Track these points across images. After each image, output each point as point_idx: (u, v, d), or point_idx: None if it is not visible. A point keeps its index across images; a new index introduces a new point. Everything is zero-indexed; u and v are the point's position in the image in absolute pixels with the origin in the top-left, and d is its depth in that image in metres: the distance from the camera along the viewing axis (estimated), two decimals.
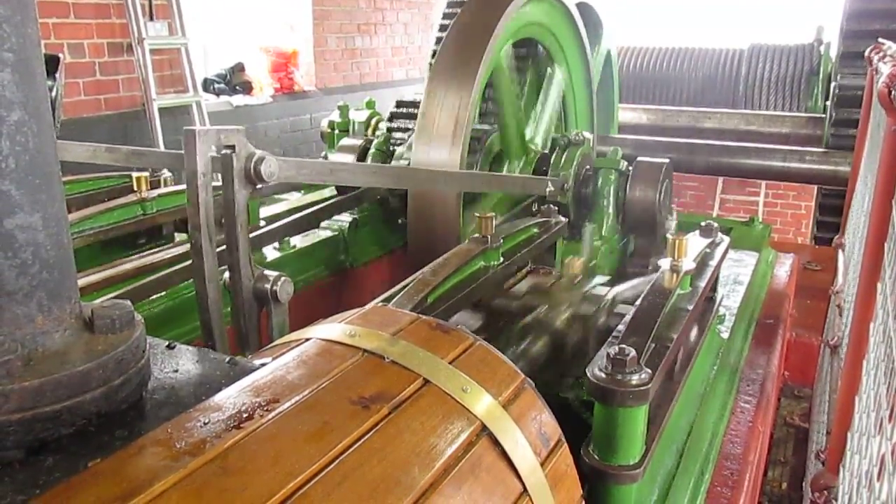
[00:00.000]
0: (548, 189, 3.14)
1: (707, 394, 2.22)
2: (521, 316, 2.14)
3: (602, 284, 2.39)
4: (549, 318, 2.08)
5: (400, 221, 3.51)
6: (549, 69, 3.87)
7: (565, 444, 1.26)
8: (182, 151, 1.79)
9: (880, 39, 4.07)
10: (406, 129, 3.82)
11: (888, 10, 5.35)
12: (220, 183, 1.83)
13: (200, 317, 1.86)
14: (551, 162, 3.41)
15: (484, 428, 1.11)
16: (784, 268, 3.67)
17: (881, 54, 3.38)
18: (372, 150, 3.76)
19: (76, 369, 0.91)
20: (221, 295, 1.88)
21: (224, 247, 1.87)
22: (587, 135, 3.48)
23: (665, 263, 2.07)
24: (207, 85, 8.76)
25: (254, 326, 1.93)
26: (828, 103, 5.95)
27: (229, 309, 1.94)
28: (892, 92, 2.07)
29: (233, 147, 1.78)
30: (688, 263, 2.07)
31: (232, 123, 7.24)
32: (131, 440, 0.91)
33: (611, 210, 3.36)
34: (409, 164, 3.25)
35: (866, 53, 4.04)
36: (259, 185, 1.84)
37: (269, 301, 1.91)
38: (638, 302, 1.89)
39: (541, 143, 3.71)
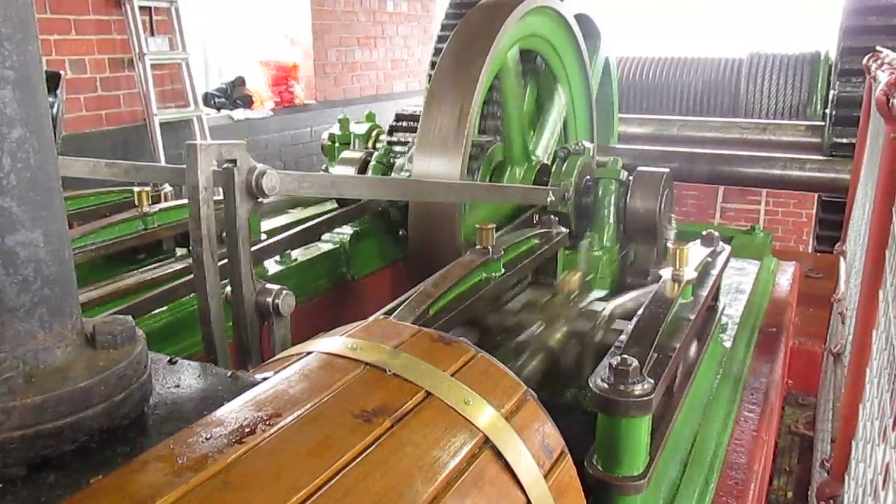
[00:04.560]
0: (549, 199, 3.14)
1: (710, 403, 2.22)
2: (516, 333, 2.15)
3: (600, 299, 2.38)
4: (545, 335, 2.09)
5: (401, 233, 3.51)
6: (552, 88, 3.89)
7: (568, 456, 1.26)
8: (183, 166, 1.79)
9: (878, 47, 4.08)
10: (406, 143, 3.83)
11: (887, 8, 5.36)
12: (221, 197, 1.83)
13: (202, 331, 1.86)
14: (552, 172, 3.41)
15: (486, 440, 1.11)
16: (786, 276, 3.67)
17: (879, 62, 3.39)
18: (372, 163, 3.77)
19: (78, 385, 0.91)
20: (223, 309, 1.88)
21: (226, 260, 1.87)
22: (587, 144, 3.48)
23: (666, 273, 2.07)
24: (208, 99, 8.80)
25: (256, 340, 1.92)
26: (827, 111, 5.96)
27: (231, 323, 1.94)
28: (891, 100, 2.07)
29: (234, 161, 1.79)
30: (689, 273, 2.07)
31: (233, 137, 7.28)
32: (133, 456, 0.91)
33: (611, 220, 3.36)
34: (409, 176, 3.25)
35: (864, 62, 4.05)
36: (260, 200, 1.85)
37: (271, 315, 1.91)
38: (640, 312, 1.89)
39: (542, 156, 3.71)
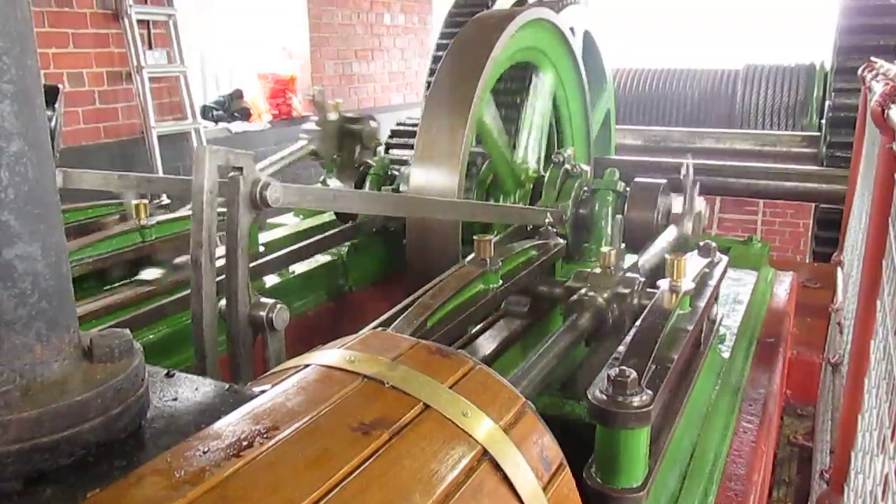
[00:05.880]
0: (547, 220, 3.16)
1: (709, 414, 2.21)
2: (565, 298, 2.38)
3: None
4: (591, 298, 2.27)
5: (393, 230, 3.50)
6: (534, 77, 3.85)
7: (567, 468, 1.25)
8: (185, 177, 1.80)
9: (872, 58, 4.10)
10: (404, 161, 3.84)
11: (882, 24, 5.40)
12: (222, 209, 1.84)
13: (194, 335, 1.84)
14: (545, 182, 3.42)
15: (485, 452, 1.10)
16: (783, 286, 3.66)
17: (874, 73, 3.41)
18: (370, 175, 3.78)
19: (75, 399, 0.90)
20: (217, 314, 1.87)
21: (222, 276, 1.87)
22: (585, 167, 3.50)
23: (664, 284, 2.07)
24: (206, 112, 8.82)
25: (248, 354, 1.91)
26: (823, 121, 5.98)
27: (223, 336, 1.93)
28: (886, 110, 2.08)
29: (240, 170, 1.80)
30: (687, 284, 2.07)
31: None
32: (130, 470, 0.90)
33: (609, 231, 3.36)
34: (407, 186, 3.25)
35: (859, 72, 4.08)
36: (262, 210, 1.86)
37: (265, 329, 1.90)
38: (638, 322, 1.89)
39: (533, 160, 3.70)
